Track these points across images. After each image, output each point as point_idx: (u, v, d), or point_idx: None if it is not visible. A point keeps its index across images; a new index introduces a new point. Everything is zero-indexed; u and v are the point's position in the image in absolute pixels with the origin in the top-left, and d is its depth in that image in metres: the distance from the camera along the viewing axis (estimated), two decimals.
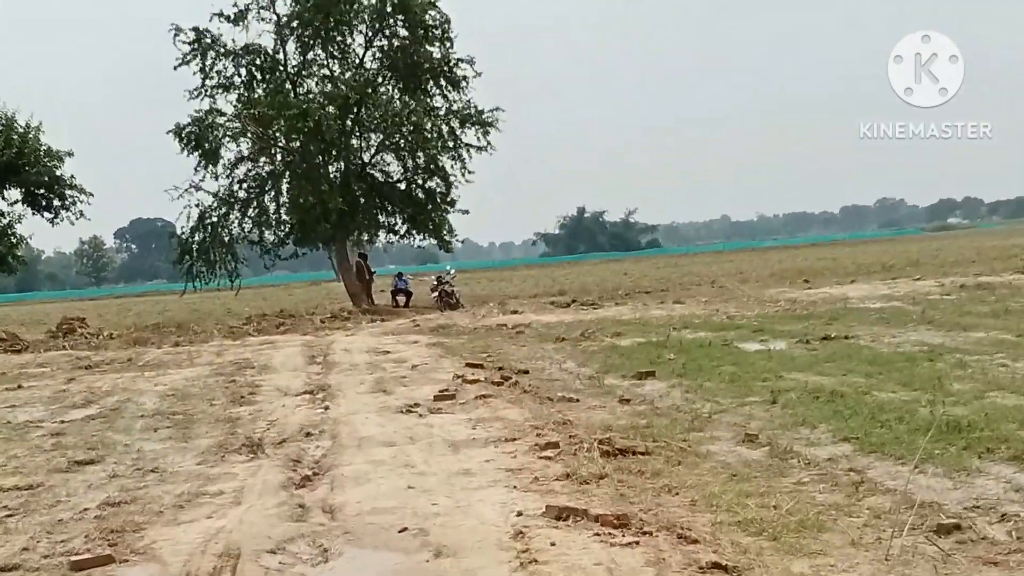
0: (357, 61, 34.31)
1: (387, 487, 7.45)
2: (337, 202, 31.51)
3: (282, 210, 34.73)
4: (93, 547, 6.25)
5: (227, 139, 33.01)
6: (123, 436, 10.62)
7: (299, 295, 57.32)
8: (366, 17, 33.52)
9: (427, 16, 33.42)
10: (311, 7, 32.48)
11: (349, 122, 33.45)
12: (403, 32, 33.91)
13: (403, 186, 35.28)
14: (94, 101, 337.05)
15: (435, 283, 33.91)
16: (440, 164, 34.09)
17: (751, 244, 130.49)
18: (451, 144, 33.80)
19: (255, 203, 34.53)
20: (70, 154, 32.12)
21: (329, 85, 33.82)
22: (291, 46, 33.71)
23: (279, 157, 34.23)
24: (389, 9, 33.36)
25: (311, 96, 33.11)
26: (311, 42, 33.60)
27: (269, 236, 35.14)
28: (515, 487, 7.15)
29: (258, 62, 33.61)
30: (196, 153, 32.70)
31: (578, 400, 11.21)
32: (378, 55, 34.56)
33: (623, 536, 5.72)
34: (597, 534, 5.79)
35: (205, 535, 6.40)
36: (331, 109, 32.33)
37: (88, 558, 5.95)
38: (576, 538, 5.75)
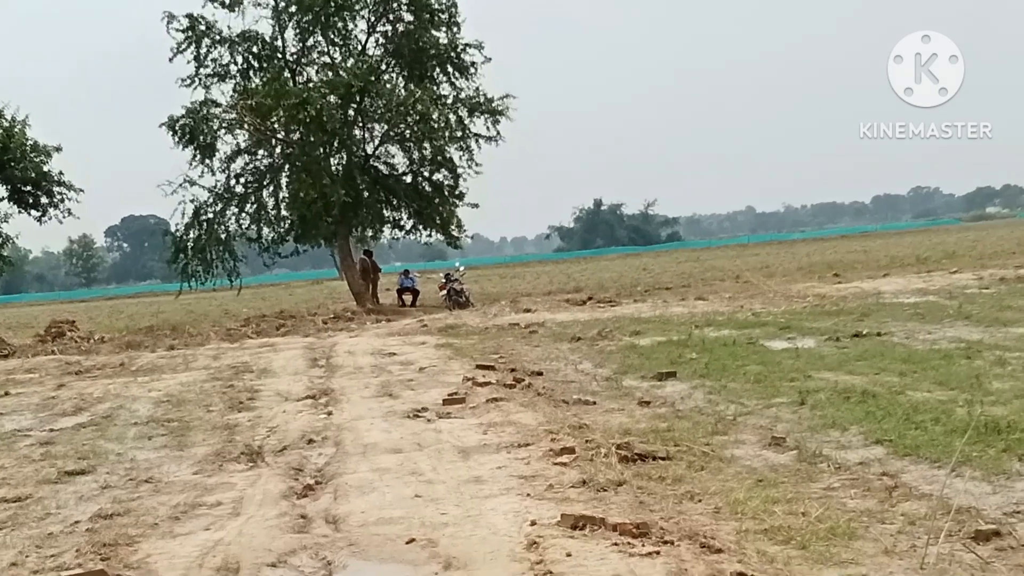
0: (359, 48, 34.25)
1: (393, 496, 7.45)
2: (340, 196, 31.46)
3: (281, 205, 34.68)
4: (85, 562, 6.26)
5: (223, 131, 33.05)
6: (115, 445, 10.65)
7: (300, 295, 57.35)
8: (368, 1, 33.47)
9: None
10: None
11: (351, 112, 33.41)
12: (407, 16, 33.81)
13: (409, 179, 35.24)
14: (83, 95, 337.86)
15: (443, 281, 33.93)
16: (448, 155, 33.94)
17: (777, 236, 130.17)
18: (459, 134, 33.67)
19: (253, 198, 34.55)
20: (58, 149, 32.05)
21: (330, 73, 33.73)
22: (290, 33, 33.74)
23: (278, 149, 34.26)
24: None
25: (311, 85, 33.04)
26: (311, 28, 33.53)
27: (268, 233, 35.16)
28: (528, 495, 7.15)
29: (255, 50, 33.59)
30: (191, 147, 32.67)
31: (595, 403, 11.21)
32: (381, 41, 34.48)
33: (643, 546, 5.72)
34: (615, 544, 5.78)
35: (202, 548, 6.42)
36: (332, 98, 32.25)
37: (80, 573, 5.96)
38: (593, 548, 5.75)
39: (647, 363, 14.13)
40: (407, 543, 6.22)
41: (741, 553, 5.57)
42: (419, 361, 16.53)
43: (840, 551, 5.53)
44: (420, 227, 35.83)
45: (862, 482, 6.95)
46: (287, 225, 34.68)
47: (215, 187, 33.70)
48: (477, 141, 33.92)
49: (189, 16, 32.65)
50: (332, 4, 32.71)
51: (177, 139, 32.50)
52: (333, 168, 33.69)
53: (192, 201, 33.42)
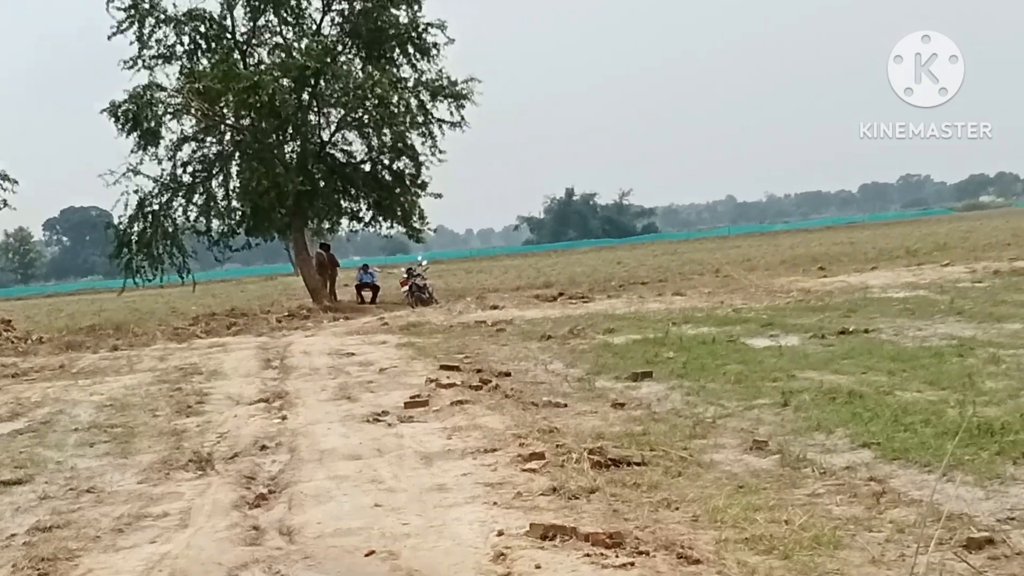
0: (314, 27, 34.18)
1: (352, 505, 7.44)
2: (294, 185, 31.39)
3: (232, 196, 34.61)
4: None
5: (168, 117, 32.85)
6: (55, 452, 10.61)
7: (252, 291, 57.19)
8: None
9: None
10: None
11: (306, 96, 33.38)
12: None
13: (367, 167, 35.25)
14: (16, 81, 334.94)
15: (405, 276, 33.98)
16: (409, 142, 33.94)
17: (759, 228, 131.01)
18: (421, 119, 33.71)
19: (201, 188, 34.41)
20: None
21: (283, 55, 33.69)
22: (239, 11, 33.68)
23: (228, 136, 34.15)
24: None
25: (263, 67, 32.94)
26: (262, 6, 33.47)
27: (218, 225, 35.03)
28: (495, 503, 7.15)
29: (202, 29, 33.42)
30: (134, 133, 32.47)
31: (566, 405, 11.22)
32: (337, 20, 34.47)
33: (616, 556, 5.72)
34: (587, 555, 5.78)
35: (148, 562, 6.39)
36: (285, 82, 32.17)
37: None
38: (564, 559, 5.75)
39: (621, 363, 14.15)
40: (366, 555, 6.21)
41: (720, 564, 5.58)
42: (379, 362, 16.52)
43: (825, 561, 5.55)
44: (380, 219, 35.85)
45: (848, 488, 6.98)
46: (238, 217, 34.57)
47: (161, 177, 33.54)
48: (440, 127, 34.03)
49: None
50: None
51: (120, 126, 32.27)
52: (287, 156, 33.61)
53: (136, 192, 33.21)
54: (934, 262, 31.29)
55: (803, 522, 6.17)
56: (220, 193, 34.72)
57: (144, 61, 32.94)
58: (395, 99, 32.57)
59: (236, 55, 33.27)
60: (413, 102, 33.51)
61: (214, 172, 34.53)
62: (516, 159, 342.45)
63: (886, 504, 6.54)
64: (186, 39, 33.35)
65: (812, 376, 11.52)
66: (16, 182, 32.52)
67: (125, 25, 32.38)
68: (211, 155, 34.44)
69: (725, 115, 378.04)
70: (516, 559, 5.80)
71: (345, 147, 35.39)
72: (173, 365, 18.40)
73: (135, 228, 33.41)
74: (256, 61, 33.75)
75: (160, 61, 33.22)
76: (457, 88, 33.75)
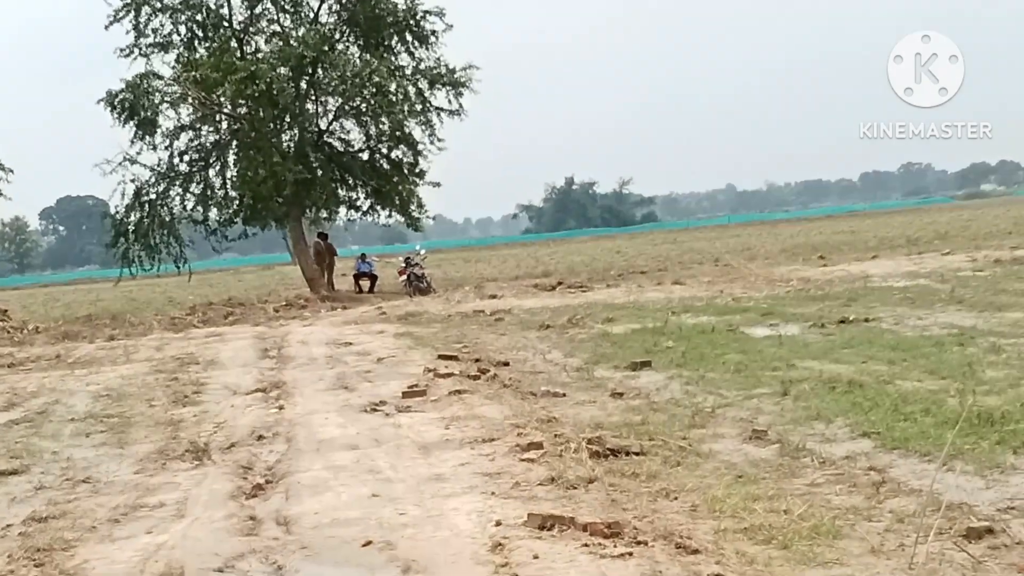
0: (311, 15, 34.18)
1: (349, 496, 7.44)
2: (292, 174, 31.32)
3: (229, 185, 34.57)
4: (17, 568, 6.23)
5: (165, 106, 32.80)
6: (51, 443, 10.59)
7: (250, 280, 57.22)
8: None
9: None
10: None
11: (304, 85, 33.35)
12: None
13: (365, 156, 35.22)
14: (15, 67, 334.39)
15: (403, 265, 33.96)
16: (407, 131, 33.93)
17: (759, 217, 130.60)
18: (419, 108, 33.68)
19: (198, 177, 34.41)
20: None
21: (280, 43, 33.62)
22: (236, 0, 33.54)
23: (224, 125, 34.11)
24: None
25: (260, 56, 32.92)
26: None
27: (215, 214, 34.99)
28: (493, 493, 7.15)
29: (199, 18, 33.40)
30: (131, 123, 32.44)
31: (564, 395, 11.23)
32: (335, 8, 34.40)
33: (615, 547, 5.72)
34: (586, 545, 5.78)
35: (144, 553, 6.38)
36: (283, 70, 32.13)
37: None
38: (562, 550, 5.75)
39: (620, 352, 14.16)
40: (363, 546, 6.20)
41: (719, 554, 5.59)
42: (377, 351, 16.50)
43: (824, 551, 5.55)
44: (378, 207, 35.80)
45: (848, 477, 6.99)
46: (235, 206, 34.47)
47: (158, 166, 33.53)
48: (439, 115, 33.97)
49: None
50: None
51: (117, 115, 32.24)
52: (284, 145, 33.55)
53: (133, 181, 33.21)
54: (935, 251, 31.33)
55: (802, 512, 6.17)
56: (217, 182, 34.75)
57: (141, 50, 32.92)
58: (393, 87, 32.52)
59: (233, 43, 33.20)
60: (411, 90, 33.49)
61: (211, 161, 34.51)
62: (516, 148, 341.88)
63: (886, 494, 6.55)
64: (183, 28, 33.37)
65: (812, 365, 11.53)
66: (12, 171, 32.53)
67: (122, 13, 32.35)
68: (208, 144, 34.41)
69: (725, 104, 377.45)
70: (514, 549, 5.80)
71: (343, 136, 35.43)
72: (170, 355, 18.37)
73: (132, 217, 33.37)
74: (253, 50, 33.72)
75: (157, 50, 33.19)
76: (455, 76, 33.71)
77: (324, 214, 37.46)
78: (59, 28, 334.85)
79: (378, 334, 19.60)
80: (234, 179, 34.16)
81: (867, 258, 30.95)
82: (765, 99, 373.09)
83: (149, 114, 32.30)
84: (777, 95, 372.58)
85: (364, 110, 33.77)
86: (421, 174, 34.94)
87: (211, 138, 34.40)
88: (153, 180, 33.42)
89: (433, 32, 34.02)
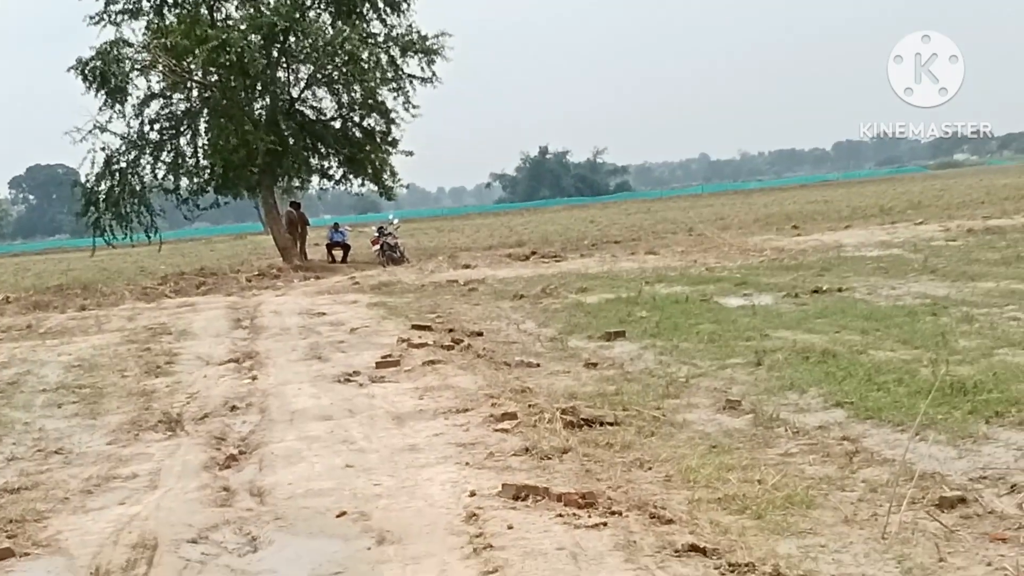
0: None
1: (323, 466, 7.45)
2: (263, 142, 31.13)
3: (200, 153, 34.32)
4: None
5: (135, 73, 32.48)
6: (22, 413, 10.57)
7: (222, 250, 56.99)
8: None
9: None
10: None
11: (275, 53, 33.09)
12: None
13: (338, 124, 35.08)
14: None
15: (376, 235, 33.91)
16: (379, 99, 33.81)
17: (733, 186, 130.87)
18: (391, 75, 33.52)
19: (169, 146, 34.12)
20: None
21: (251, 10, 33.36)
22: None
23: (195, 93, 33.83)
24: None
25: (231, 24, 32.66)
26: None
27: (186, 183, 34.74)
28: (467, 464, 7.17)
29: None
30: (102, 91, 32.16)
31: (538, 365, 11.25)
32: None
33: (589, 517, 5.74)
34: (560, 515, 5.81)
35: (117, 524, 6.38)
36: (255, 38, 31.89)
37: None
38: (536, 520, 5.77)
39: (594, 322, 14.18)
40: (337, 516, 6.22)
41: (693, 524, 5.61)
42: (350, 321, 16.49)
43: (798, 520, 5.58)
44: (350, 176, 35.70)
45: (821, 447, 7.02)
46: (207, 175, 34.24)
47: (128, 134, 33.20)
48: (411, 83, 33.79)
49: None
50: None
51: (88, 83, 31.95)
52: (256, 113, 33.36)
53: (103, 149, 32.80)
54: (908, 221, 31.44)
55: (776, 482, 6.20)
56: (188, 151, 34.43)
57: (110, 16, 32.56)
58: (365, 55, 32.35)
59: (204, 11, 32.93)
60: (383, 58, 33.32)
61: (182, 129, 34.24)
62: (489, 117, 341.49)
63: (859, 463, 6.58)
64: None
65: (785, 335, 11.57)
66: None
67: None
68: (179, 112, 34.15)
69: (699, 73, 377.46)
70: (488, 520, 5.82)
71: (315, 104, 35.19)
72: (142, 325, 18.31)
73: (102, 186, 33.03)
74: (224, 16, 33.42)
75: (127, 16, 32.82)
76: (428, 43, 33.54)
77: (296, 183, 37.39)
78: None
79: (351, 304, 19.58)
80: (205, 148, 33.90)
81: (840, 228, 31.05)
82: (739, 69, 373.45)
83: (119, 82, 31.94)
84: (751, 65, 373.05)
85: (336, 78, 33.64)
86: (394, 143, 34.83)
87: (182, 106, 34.15)
88: (123, 148, 33.09)
89: None
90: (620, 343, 12.28)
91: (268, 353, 13.74)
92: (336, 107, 34.95)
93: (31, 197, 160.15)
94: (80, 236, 47.79)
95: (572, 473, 6.72)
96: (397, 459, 7.47)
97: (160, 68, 32.06)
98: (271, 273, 30.56)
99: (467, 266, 27.22)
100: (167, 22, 32.58)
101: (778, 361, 10.04)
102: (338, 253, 35.31)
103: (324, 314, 17.92)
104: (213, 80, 32.81)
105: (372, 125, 34.67)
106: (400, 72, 33.69)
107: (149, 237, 34.45)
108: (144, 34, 32.80)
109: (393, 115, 34.24)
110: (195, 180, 34.51)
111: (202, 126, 34.19)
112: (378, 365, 11.68)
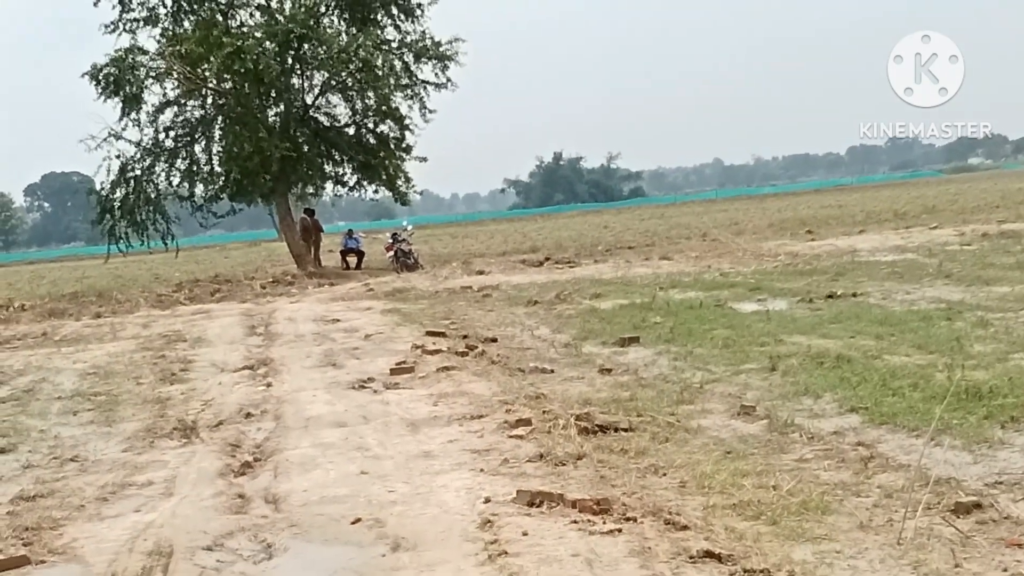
0: None
1: (338, 473, 7.46)
2: (280, 149, 31.14)
3: (215, 160, 34.36)
4: (6, 547, 6.23)
5: (150, 81, 32.53)
6: (38, 421, 10.60)
7: (236, 257, 57.03)
8: None
9: None
10: None
11: (289, 60, 33.13)
12: None
13: (352, 131, 35.06)
14: None
15: (390, 241, 33.88)
16: (393, 105, 33.76)
17: (747, 191, 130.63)
18: (405, 81, 33.56)
19: (184, 153, 34.15)
20: None
21: (265, 17, 33.41)
22: None
23: (210, 100, 33.86)
24: None
25: (245, 31, 32.70)
26: None
27: (201, 190, 34.77)
28: (482, 470, 7.18)
29: None
30: (116, 98, 32.22)
31: (553, 371, 11.25)
32: None
33: (604, 523, 5.74)
34: (574, 521, 5.81)
35: (132, 531, 6.39)
36: (269, 46, 31.92)
37: (0, 559, 5.92)
38: (551, 526, 5.77)
39: (608, 328, 14.17)
40: (352, 523, 6.22)
41: (708, 530, 5.61)
42: (364, 328, 16.50)
43: (813, 526, 5.57)
44: (365, 182, 35.68)
45: (836, 453, 7.01)
46: (221, 182, 34.24)
47: (143, 141, 33.25)
48: (425, 88, 33.82)
49: None
50: None
51: (101, 90, 32.02)
52: (270, 120, 33.35)
53: (118, 157, 32.85)
54: (922, 225, 31.36)
55: (791, 487, 6.19)
56: (203, 158, 34.45)
57: (125, 24, 32.64)
58: (379, 61, 32.30)
59: (219, 17, 32.97)
60: (397, 64, 33.34)
61: (197, 137, 34.28)
62: (503, 123, 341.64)
63: (874, 469, 6.57)
64: (168, 1, 33.07)
65: (800, 340, 11.55)
66: None
67: None
68: (193, 119, 34.17)
69: (712, 78, 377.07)
70: (503, 526, 5.81)
71: (329, 111, 35.19)
72: (157, 332, 18.35)
73: (117, 194, 33.08)
74: (239, 24, 33.47)
75: (142, 24, 32.89)
76: (441, 49, 33.56)
77: (310, 190, 37.38)
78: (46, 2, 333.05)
79: (365, 311, 19.60)
80: (220, 155, 33.93)
81: (855, 232, 30.99)
82: (752, 73, 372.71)
83: (134, 89, 32.02)
84: (764, 69, 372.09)
85: (350, 84, 33.61)
86: (408, 149, 34.82)
87: (196, 113, 34.17)
88: (138, 156, 33.15)
89: (419, 5, 33.86)
90: (634, 349, 12.28)
91: (283, 360, 13.75)
92: (350, 113, 34.97)
93: (46, 205, 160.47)
94: (95, 243, 47.92)
95: (587, 479, 6.72)
96: (412, 466, 7.48)
97: (175, 75, 32.13)
98: (285, 280, 30.58)
99: (481, 272, 27.23)
100: (182, 29, 32.65)
101: (793, 366, 10.02)
102: (352, 260, 35.30)
103: (338, 321, 17.94)
104: (228, 87, 32.82)
105: (386, 131, 34.66)
106: (414, 78, 33.73)
107: (166, 244, 34.49)
108: (159, 42, 32.88)
109: (407, 121, 34.27)
110: (210, 187, 34.50)
111: (217, 133, 34.24)
112: (392, 372, 11.68)
